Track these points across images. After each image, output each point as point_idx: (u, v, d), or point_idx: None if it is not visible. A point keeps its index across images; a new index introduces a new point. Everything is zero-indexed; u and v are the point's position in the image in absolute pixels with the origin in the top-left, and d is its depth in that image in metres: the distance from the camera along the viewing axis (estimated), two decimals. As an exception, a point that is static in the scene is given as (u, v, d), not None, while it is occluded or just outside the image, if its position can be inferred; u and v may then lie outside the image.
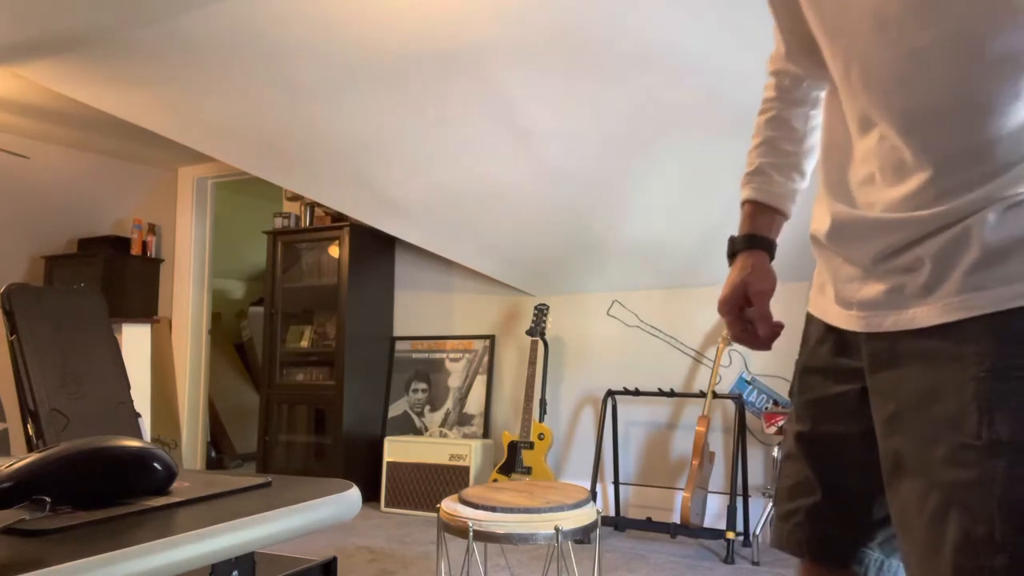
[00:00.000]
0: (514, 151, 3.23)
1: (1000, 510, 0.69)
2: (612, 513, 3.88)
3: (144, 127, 3.64)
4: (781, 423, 3.25)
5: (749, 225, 1.07)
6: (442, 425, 4.51)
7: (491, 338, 4.52)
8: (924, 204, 0.77)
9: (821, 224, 0.91)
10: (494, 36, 2.58)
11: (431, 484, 4.17)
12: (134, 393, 3.21)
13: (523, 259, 4.14)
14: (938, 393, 0.76)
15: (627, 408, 4.05)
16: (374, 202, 3.94)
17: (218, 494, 1.05)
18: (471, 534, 2.00)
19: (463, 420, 4.45)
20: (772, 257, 1.06)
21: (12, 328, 2.84)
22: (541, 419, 4.04)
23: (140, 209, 5.87)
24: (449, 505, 2.16)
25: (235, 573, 0.99)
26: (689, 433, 3.89)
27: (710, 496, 3.66)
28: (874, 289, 0.84)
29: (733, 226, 1.18)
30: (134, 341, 4.71)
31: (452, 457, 4.15)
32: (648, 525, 3.49)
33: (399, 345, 4.79)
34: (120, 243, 5.57)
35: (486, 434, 4.38)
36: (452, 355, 4.61)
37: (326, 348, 4.65)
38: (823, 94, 1.02)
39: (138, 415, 3.19)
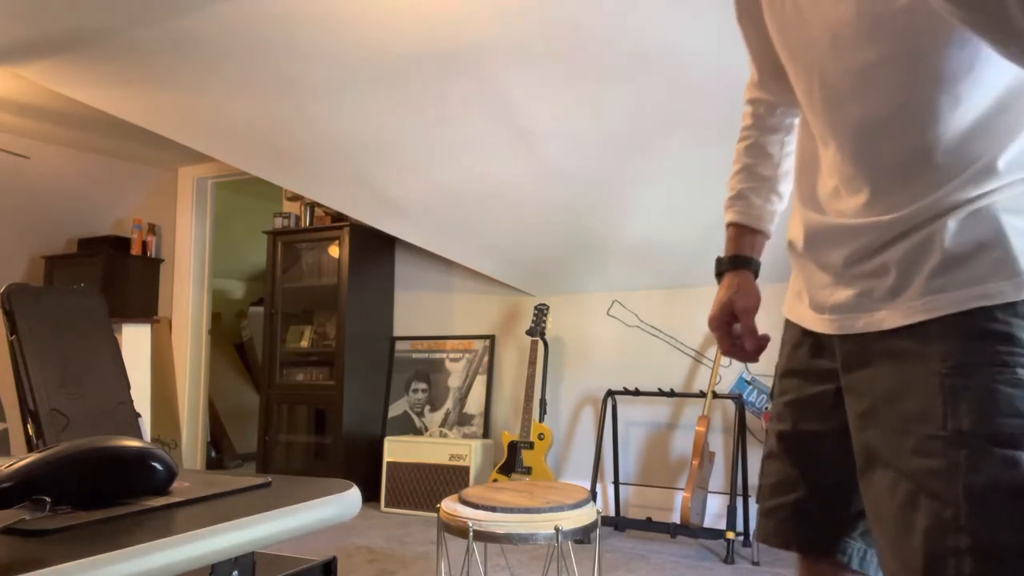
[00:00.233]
0: (514, 151, 3.23)
1: (964, 495, 0.75)
2: (612, 513, 3.88)
3: (144, 127, 3.64)
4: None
5: (734, 247, 1.15)
6: (442, 425, 4.51)
7: (491, 338, 4.52)
8: (881, 212, 0.84)
9: (796, 233, 0.99)
10: (494, 36, 2.58)
11: (431, 484, 4.17)
12: (134, 393, 3.21)
13: (523, 259, 4.14)
14: (906, 389, 0.82)
15: (627, 408, 4.05)
16: (374, 202, 3.94)
17: (218, 494, 1.05)
18: (471, 534, 2.00)
19: (463, 420, 4.45)
20: (756, 275, 1.14)
21: (12, 328, 2.84)
22: (541, 419, 4.04)
23: (140, 209, 5.87)
24: (449, 505, 2.16)
25: (235, 573, 0.99)
26: (689, 433, 3.89)
27: (710, 496, 3.66)
28: (845, 293, 0.90)
29: (733, 226, 1.21)
30: (134, 341, 4.72)
31: (452, 457, 4.15)
32: (648, 525, 3.49)
33: (399, 345, 4.79)
34: (120, 243, 5.57)
35: (486, 434, 4.38)
36: (452, 355, 4.61)
37: (326, 348, 4.65)
38: (796, 120, 1.12)
39: (138, 415, 3.19)
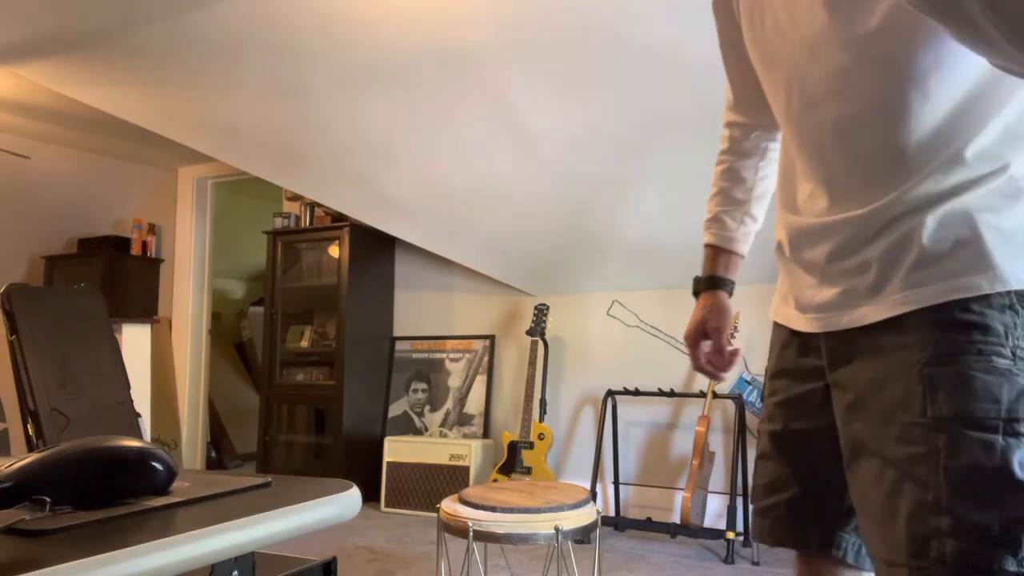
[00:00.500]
0: (514, 151, 3.23)
1: (944, 478, 0.79)
2: (612, 513, 3.88)
3: (144, 127, 3.64)
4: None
5: (710, 267, 1.24)
6: (442, 425, 4.51)
7: (491, 338, 4.52)
8: (857, 206, 0.89)
9: (781, 237, 1.03)
10: (495, 36, 2.58)
11: (431, 484, 4.17)
12: (134, 393, 3.21)
13: (523, 259, 4.14)
14: (888, 380, 0.85)
15: (627, 408, 4.05)
16: (374, 202, 3.94)
17: (218, 494, 1.05)
18: (471, 534, 2.00)
19: (463, 420, 4.45)
20: (731, 293, 1.22)
21: (12, 328, 2.84)
22: (541, 419, 4.04)
23: (140, 209, 5.87)
24: (449, 505, 2.16)
25: (235, 573, 0.99)
26: (689, 433, 3.89)
27: (710, 496, 3.66)
28: (830, 292, 0.93)
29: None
30: (134, 341, 4.71)
31: (452, 457, 4.15)
32: (648, 525, 3.49)
33: (399, 345, 4.79)
34: (120, 243, 5.56)
35: (486, 434, 4.38)
36: (452, 355, 4.61)
37: (326, 348, 4.65)
38: (771, 145, 1.21)
39: (138, 415, 3.19)
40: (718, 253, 1.23)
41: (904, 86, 0.83)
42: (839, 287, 0.92)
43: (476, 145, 3.25)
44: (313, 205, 4.79)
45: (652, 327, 4.06)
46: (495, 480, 3.93)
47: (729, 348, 1.20)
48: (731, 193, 1.23)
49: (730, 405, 3.74)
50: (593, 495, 3.49)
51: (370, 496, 4.35)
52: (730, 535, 3.23)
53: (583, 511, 2.10)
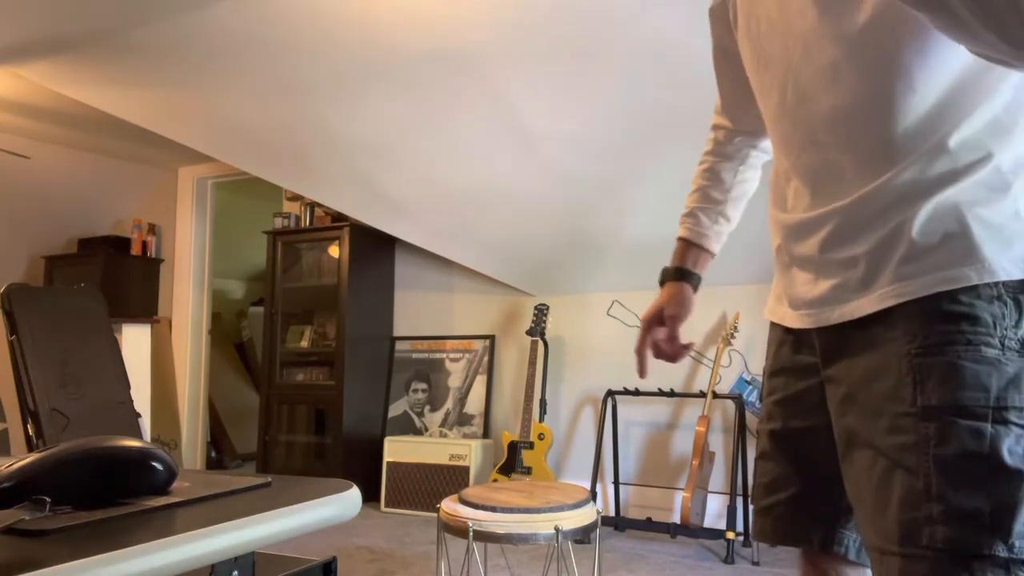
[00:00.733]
0: (514, 151, 3.23)
1: (935, 466, 0.80)
2: (612, 513, 3.88)
3: (144, 127, 3.64)
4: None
5: (679, 259, 1.26)
6: (442, 425, 4.51)
7: (491, 338, 4.52)
8: (843, 196, 0.91)
9: (775, 236, 1.05)
10: (495, 36, 2.58)
11: (431, 484, 4.17)
12: (134, 393, 3.21)
13: (523, 259, 4.14)
14: (879, 371, 0.87)
15: (627, 408, 4.05)
16: (374, 202, 3.94)
17: (218, 494, 1.05)
18: (471, 534, 2.00)
19: (463, 420, 4.45)
20: (696, 288, 1.25)
21: (12, 328, 2.84)
22: (541, 419, 4.04)
23: (140, 209, 5.87)
24: (449, 505, 2.16)
25: (235, 573, 0.99)
26: (689, 433, 3.89)
27: (710, 496, 3.66)
28: (825, 285, 0.95)
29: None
30: (134, 341, 4.71)
31: (452, 457, 4.14)
32: (648, 525, 3.49)
33: (399, 345, 4.79)
34: (120, 243, 5.56)
35: (486, 434, 4.38)
36: (452, 355, 4.61)
37: (326, 348, 4.65)
38: (752, 152, 1.25)
39: (138, 415, 3.20)
40: (689, 247, 1.26)
41: (891, 78, 0.85)
42: (835, 279, 0.93)
43: (476, 145, 3.25)
44: (313, 205, 4.79)
45: (652, 327, 4.05)
46: (495, 480, 3.93)
47: (682, 342, 1.23)
48: (709, 192, 1.27)
49: (730, 405, 3.74)
50: (593, 495, 3.49)
51: (370, 496, 4.35)
52: (730, 535, 3.23)
53: (583, 511, 2.10)
